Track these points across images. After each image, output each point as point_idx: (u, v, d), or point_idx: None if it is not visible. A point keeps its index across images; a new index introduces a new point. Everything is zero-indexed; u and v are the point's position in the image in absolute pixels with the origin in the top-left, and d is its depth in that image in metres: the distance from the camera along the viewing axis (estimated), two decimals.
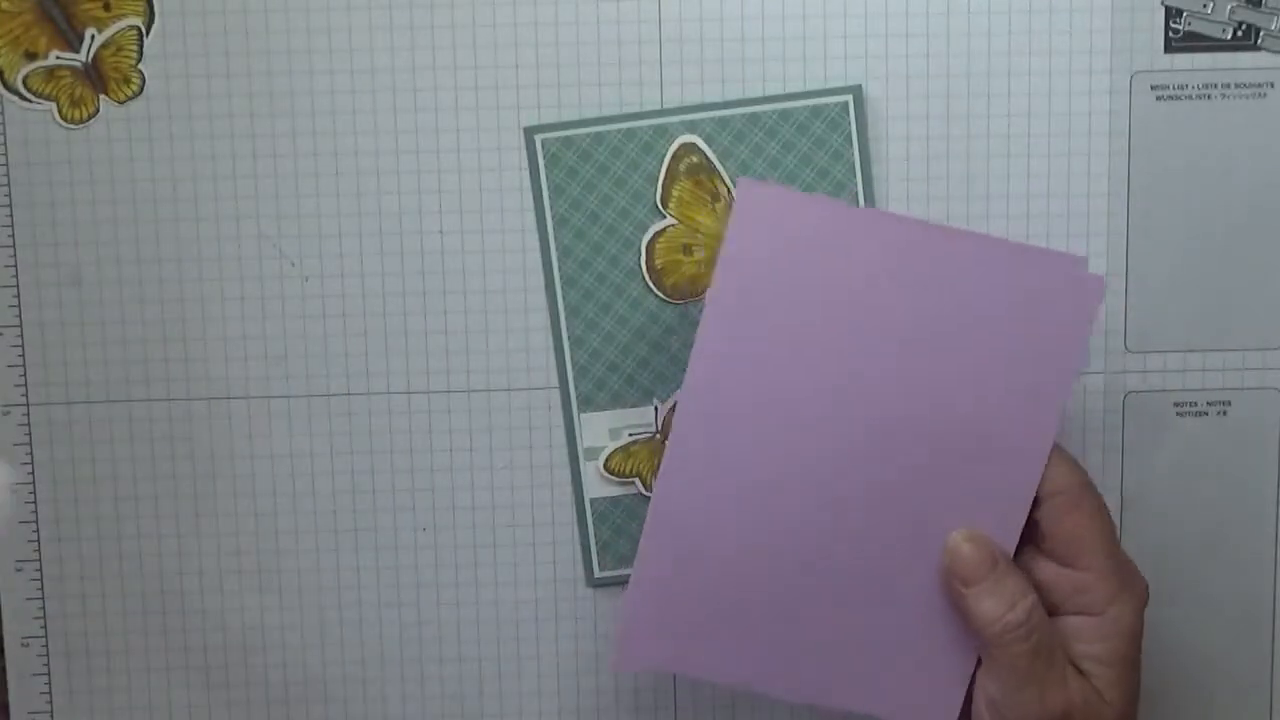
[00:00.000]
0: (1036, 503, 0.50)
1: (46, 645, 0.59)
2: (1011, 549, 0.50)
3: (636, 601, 0.52)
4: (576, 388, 0.58)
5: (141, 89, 0.56)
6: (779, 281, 0.50)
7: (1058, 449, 0.50)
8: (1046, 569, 0.50)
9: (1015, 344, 0.50)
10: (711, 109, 0.57)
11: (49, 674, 0.59)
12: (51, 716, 0.59)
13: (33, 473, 0.58)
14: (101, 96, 0.56)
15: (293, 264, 0.57)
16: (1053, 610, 0.50)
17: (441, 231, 0.57)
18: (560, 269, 0.57)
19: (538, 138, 0.57)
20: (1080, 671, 0.50)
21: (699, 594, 0.51)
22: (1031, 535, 0.51)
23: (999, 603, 0.49)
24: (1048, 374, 0.50)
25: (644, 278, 0.57)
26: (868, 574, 0.51)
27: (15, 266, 0.57)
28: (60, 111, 0.56)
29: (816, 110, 0.57)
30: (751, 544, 0.51)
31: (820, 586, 0.51)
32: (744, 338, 0.50)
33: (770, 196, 0.50)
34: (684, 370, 0.57)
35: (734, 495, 0.51)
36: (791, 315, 0.50)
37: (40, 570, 0.58)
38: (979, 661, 0.51)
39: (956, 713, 0.52)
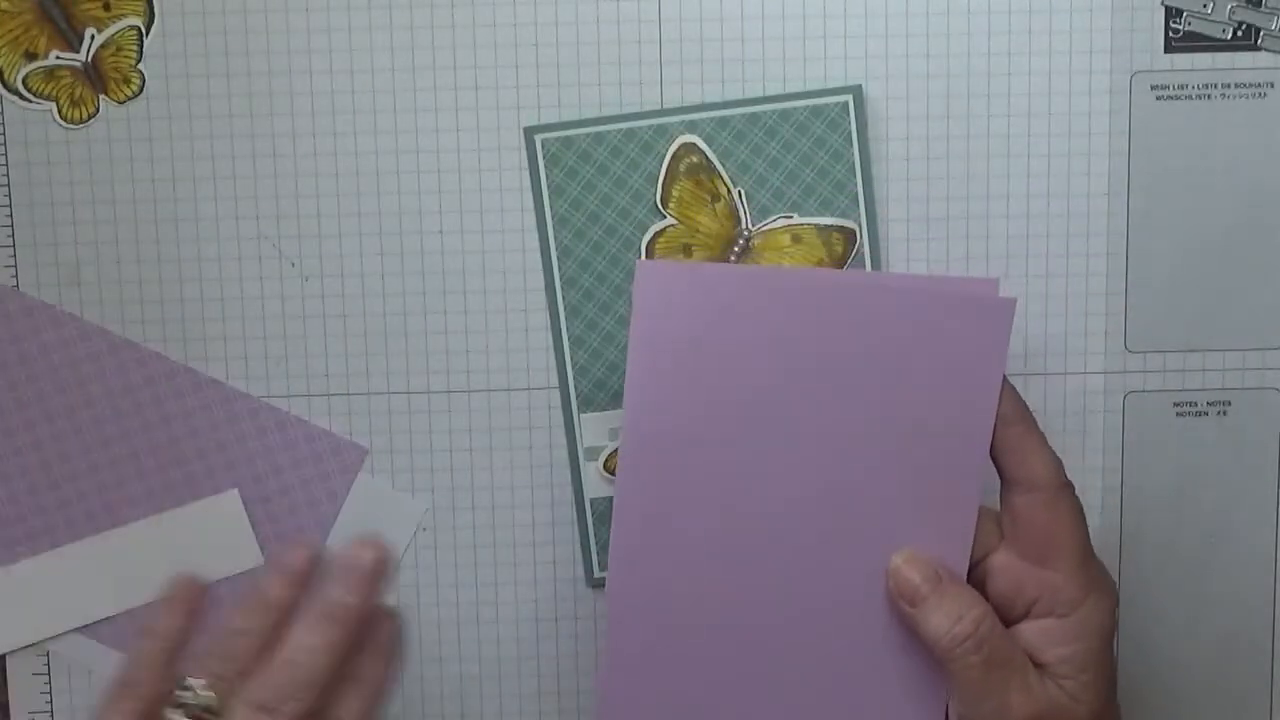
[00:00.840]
0: (1014, 496, 0.50)
1: (46, 645, 0.59)
2: (964, 570, 0.51)
3: (611, 687, 0.52)
4: (576, 388, 0.58)
5: (141, 89, 0.56)
6: (691, 351, 0.50)
7: (1042, 445, 0.50)
8: (1016, 568, 0.50)
9: (937, 374, 0.50)
10: (711, 109, 0.57)
11: (49, 674, 0.59)
12: (52, 716, 0.59)
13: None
14: (101, 96, 0.56)
15: (293, 264, 0.57)
16: (1021, 613, 0.50)
17: (441, 231, 0.57)
18: (560, 269, 0.57)
19: (538, 138, 0.57)
20: (1050, 675, 0.49)
21: (670, 673, 0.52)
22: (1003, 533, 0.51)
23: (945, 617, 0.49)
24: (973, 397, 0.50)
25: None
26: (826, 617, 0.51)
27: (15, 266, 0.57)
28: (60, 111, 0.56)
29: (816, 110, 0.57)
30: (712, 616, 0.52)
31: (782, 636, 0.52)
32: (668, 412, 0.51)
33: (667, 272, 0.51)
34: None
35: (685, 570, 0.51)
36: (709, 381, 0.51)
37: None
38: None
39: None
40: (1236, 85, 0.57)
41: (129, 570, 0.58)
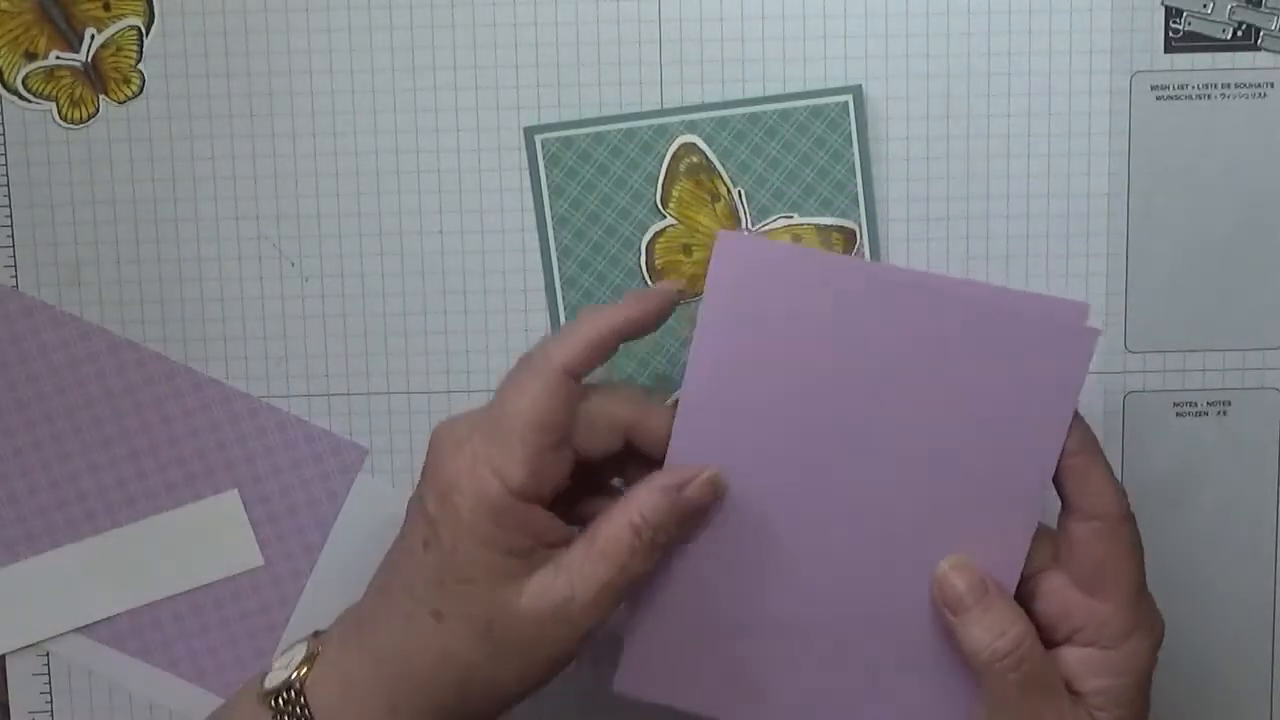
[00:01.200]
0: (1073, 523, 0.49)
1: (46, 645, 0.59)
2: (1012, 589, 0.50)
3: (639, 629, 0.52)
4: None
5: (141, 89, 0.56)
6: (761, 332, 0.50)
7: (1107, 476, 0.49)
8: (1066, 593, 0.49)
9: (1012, 390, 0.49)
10: (711, 109, 0.57)
11: (49, 674, 0.59)
12: (52, 716, 0.59)
13: None
14: (101, 96, 0.56)
15: (292, 264, 0.57)
16: (1063, 638, 0.49)
17: (441, 231, 0.57)
18: (560, 269, 0.57)
19: (538, 138, 0.57)
20: (1085, 706, 0.49)
21: (698, 633, 0.51)
22: (1057, 555, 0.50)
23: (986, 630, 0.48)
24: (1044, 419, 0.49)
25: (644, 278, 0.57)
26: (867, 615, 0.51)
27: (15, 266, 0.57)
28: (60, 112, 0.56)
29: (816, 110, 0.57)
30: (751, 587, 0.51)
31: (820, 627, 0.51)
32: (729, 386, 0.50)
33: (746, 247, 0.50)
34: (684, 370, 0.57)
35: (731, 540, 0.51)
36: (776, 364, 0.50)
37: None
38: None
39: None
40: (1236, 85, 0.57)
41: (129, 570, 0.58)
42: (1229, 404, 0.58)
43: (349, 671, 0.49)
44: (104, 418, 0.58)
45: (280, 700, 0.49)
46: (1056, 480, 0.49)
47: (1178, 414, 0.59)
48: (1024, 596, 0.50)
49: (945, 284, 0.50)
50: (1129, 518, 0.49)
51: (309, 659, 0.49)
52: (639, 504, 0.48)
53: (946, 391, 0.49)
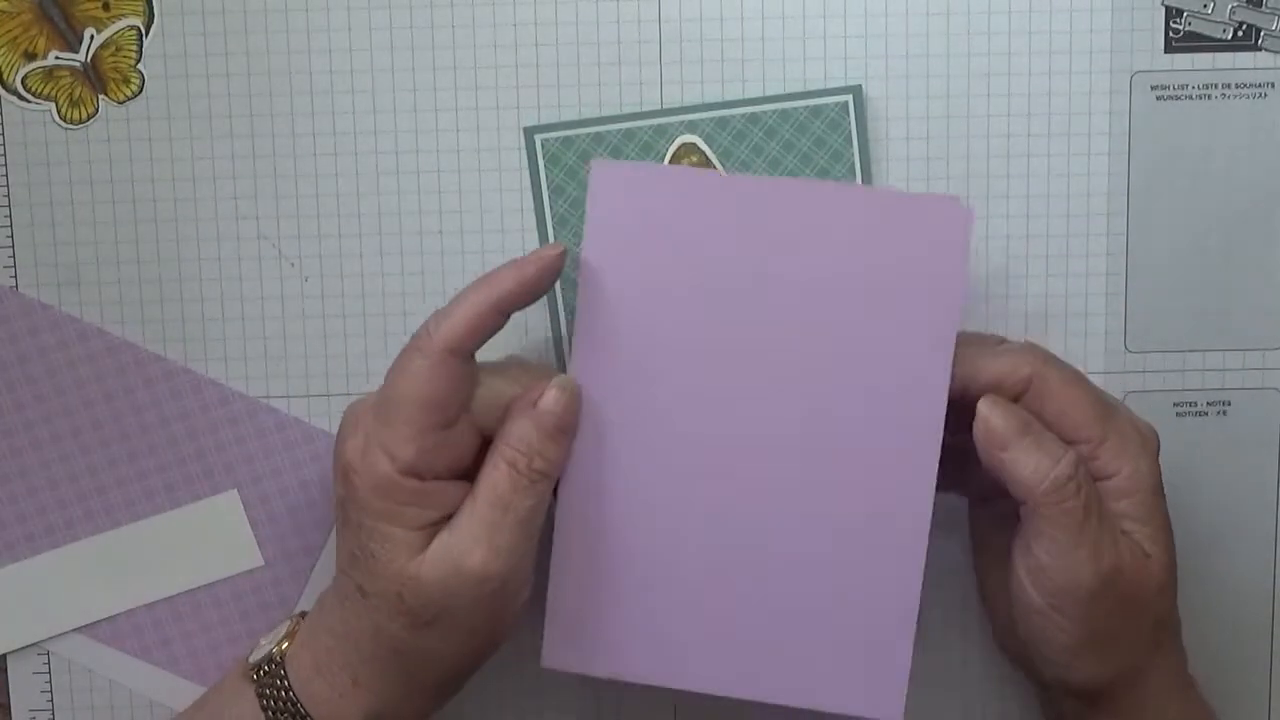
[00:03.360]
0: (1015, 399, 0.50)
1: (46, 645, 0.59)
2: (930, 486, 0.50)
3: (557, 601, 0.52)
4: None
5: (141, 89, 0.56)
6: (647, 254, 0.50)
7: (1003, 345, 0.50)
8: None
9: (897, 287, 0.50)
10: (711, 109, 0.57)
11: (49, 674, 0.59)
12: (52, 716, 0.59)
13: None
14: (101, 97, 0.56)
15: (292, 264, 0.57)
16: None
17: (441, 232, 0.57)
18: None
19: (538, 138, 0.57)
20: (1122, 531, 0.49)
21: (616, 595, 0.51)
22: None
23: (1044, 458, 0.48)
24: (935, 313, 0.49)
25: None
26: (787, 545, 0.51)
27: (15, 266, 0.57)
28: (59, 112, 0.56)
29: (816, 110, 0.57)
30: (659, 534, 0.51)
31: (734, 571, 0.51)
32: (622, 316, 0.50)
33: (624, 172, 0.50)
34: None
35: (634, 485, 0.51)
36: (666, 285, 0.50)
37: None
38: (1006, 544, 0.51)
39: (902, 693, 0.51)
40: (1236, 85, 0.57)
41: (129, 570, 0.58)
42: (1229, 404, 0.58)
43: (317, 646, 0.51)
44: (103, 418, 0.58)
45: (262, 672, 0.51)
46: (963, 377, 0.50)
47: (1178, 414, 0.59)
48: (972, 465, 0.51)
49: (822, 186, 0.51)
50: (1049, 361, 0.50)
51: (289, 635, 0.52)
52: (503, 437, 0.49)
53: (837, 295, 0.50)
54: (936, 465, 0.50)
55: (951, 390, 0.50)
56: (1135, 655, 0.50)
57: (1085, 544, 0.48)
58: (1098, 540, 0.48)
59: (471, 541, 0.48)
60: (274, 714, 0.50)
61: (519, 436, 0.49)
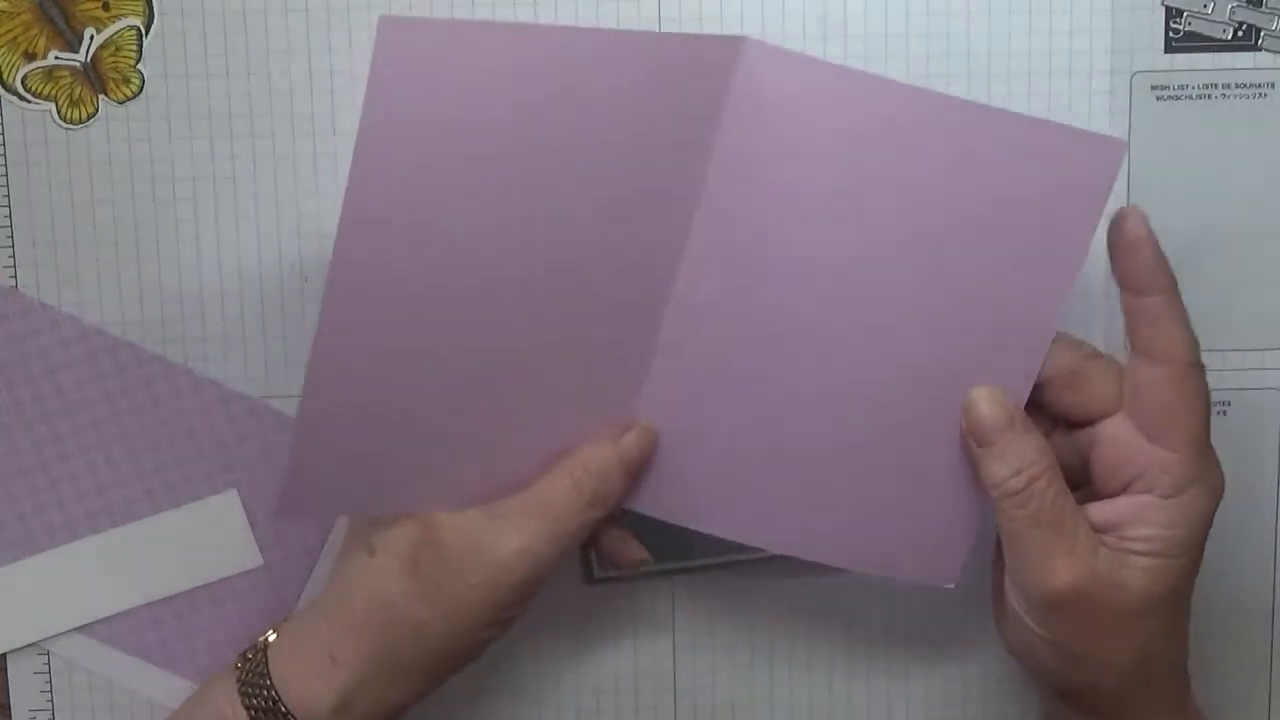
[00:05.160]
0: (1142, 368, 0.48)
1: (46, 645, 0.59)
2: (1020, 406, 0.49)
3: (308, 443, 0.47)
4: None
5: (141, 89, 0.56)
6: (444, 123, 0.44)
7: (1182, 320, 0.48)
8: (1129, 439, 0.49)
9: (1017, 216, 0.48)
10: None
11: (49, 674, 0.59)
12: (52, 716, 0.59)
13: None
14: (101, 97, 0.56)
15: (292, 264, 0.57)
16: (1122, 486, 0.49)
17: None
18: None
19: None
20: (1129, 551, 0.48)
21: (380, 426, 0.48)
22: (1123, 400, 0.49)
23: (1004, 467, 0.48)
24: (1057, 241, 0.48)
25: None
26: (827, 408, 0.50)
27: (15, 267, 0.57)
28: (59, 112, 0.56)
29: None
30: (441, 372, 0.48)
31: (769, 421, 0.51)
32: (400, 188, 0.44)
33: (420, 33, 0.42)
34: None
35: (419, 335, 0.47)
36: (459, 155, 0.44)
37: None
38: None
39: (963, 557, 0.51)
40: (1236, 85, 0.57)
41: (129, 570, 0.58)
42: (1229, 404, 0.58)
43: (300, 627, 0.51)
44: (103, 418, 0.58)
45: (245, 659, 0.52)
46: (1128, 323, 0.49)
47: None
48: (1086, 442, 0.50)
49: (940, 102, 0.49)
50: (1198, 365, 0.48)
51: (279, 624, 0.52)
52: (579, 456, 0.50)
53: (940, 210, 0.48)
54: (1031, 385, 0.49)
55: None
56: (1115, 678, 0.49)
57: (1033, 553, 0.48)
58: (1047, 552, 0.48)
59: (506, 532, 0.49)
60: (248, 698, 0.50)
61: (595, 460, 0.50)
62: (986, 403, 0.49)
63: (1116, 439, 0.49)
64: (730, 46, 0.46)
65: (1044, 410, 0.50)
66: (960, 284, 0.49)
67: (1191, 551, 0.48)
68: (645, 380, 0.51)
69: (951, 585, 0.52)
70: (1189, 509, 0.48)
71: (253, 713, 0.50)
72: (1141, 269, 0.48)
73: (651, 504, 0.53)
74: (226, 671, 0.52)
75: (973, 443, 0.49)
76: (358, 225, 0.44)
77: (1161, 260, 0.48)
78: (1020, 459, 0.48)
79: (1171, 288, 0.48)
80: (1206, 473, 0.48)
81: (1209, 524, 0.49)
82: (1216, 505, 0.49)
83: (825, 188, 0.48)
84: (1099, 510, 0.49)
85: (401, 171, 0.44)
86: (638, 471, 0.51)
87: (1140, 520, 0.48)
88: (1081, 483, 0.50)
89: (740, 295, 0.50)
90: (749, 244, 0.49)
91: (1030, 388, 0.49)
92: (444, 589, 0.49)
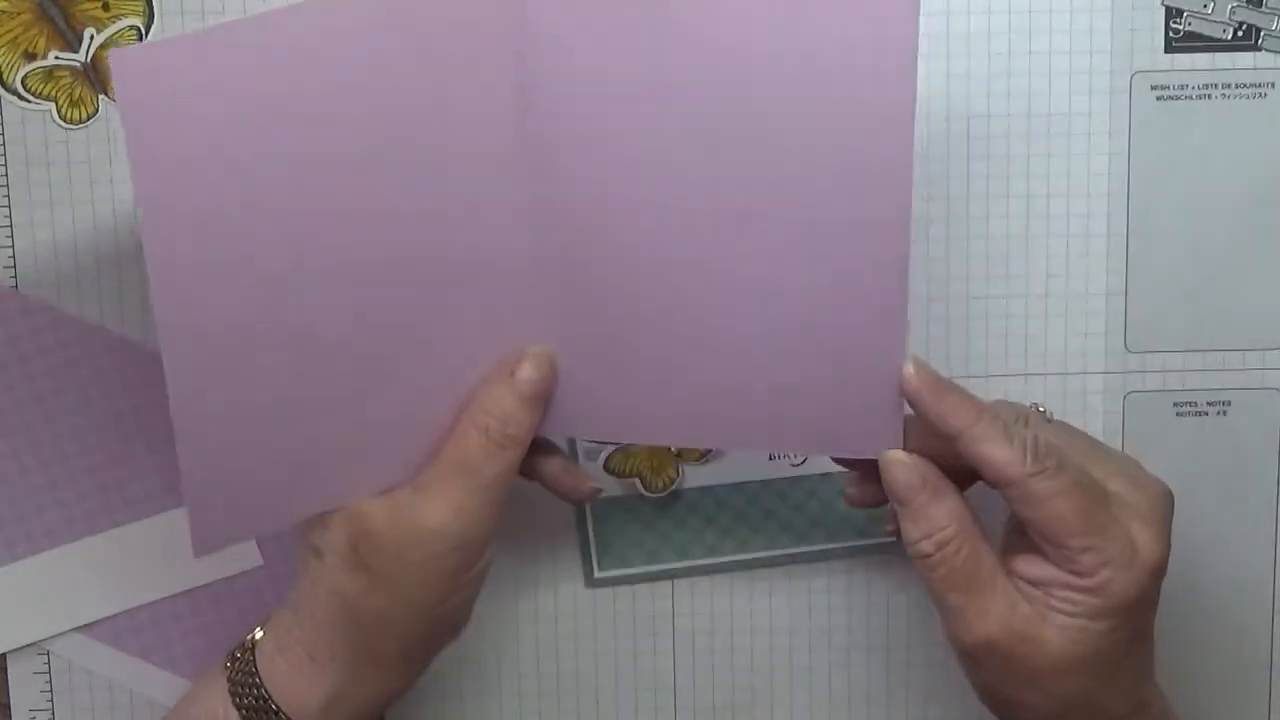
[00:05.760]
0: (1000, 489, 0.48)
1: (46, 645, 0.59)
2: (901, 305, 0.48)
3: (195, 476, 0.46)
4: None
5: None
6: (217, 138, 0.43)
7: (1007, 433, 0.47)
8: (1035, 553, 0.49)
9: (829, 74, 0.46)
10: None
11: (49, 674, 0.59)
12: (52, 716, 0.59)
13: None
14: (101, 97, 0.56)
15: None
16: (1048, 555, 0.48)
17: None
18: None
19: None
20: (1052, 609, 0.48)
21: (263, 434, 0.47)
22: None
23: (916, 530, 0.49)
24: (887, 95, 0.45)
25: None
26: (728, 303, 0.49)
27: (15, 267, 0.57)
28: (59, 111, 0.56)
29: None
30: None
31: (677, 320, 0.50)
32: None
33: (153, 57, 0.41)
34: None
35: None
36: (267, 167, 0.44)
37: None
38: None
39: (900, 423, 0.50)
40: (1236, 85, 0.57)
41: (129, 570, 0.58)
42: (1229, 404, 0.58)
43: (280, 626, 0.51)
44: (103, 418, 0.58)
45: (234, 659, 0.51)
46: (959, 462, 0.48)
47: (1178, 414, 0.59)
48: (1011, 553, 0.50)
49: None
50: (1039, 470, 0.47)
51: (264, 622, 0.52)
52: (478, 403, 0.50)
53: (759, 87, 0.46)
54: (904, 288, 0.48)
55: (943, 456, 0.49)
56: None
57: (948, 610, 0.48)
58: (962, 609, 0.48)
59: (433, 499, 0.49)
60: (239, 698, 0.50)
61: (495, 402, 0.50)
62: (897, 466, 0.49)
63: (1029, 557, 0.49)
64: None
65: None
66: (802, 148, 0.47)
67: (1117, 618, 0.48)
68: (528, 306, 0.50)
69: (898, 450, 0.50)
70: (1105, 588, 0.47)
71: (244, 712, 0.50)
72: (948, 415, 0.48)
73: (569, 425, 0.52)
74: (216, 671, 0.52)
75: (895, 502, 0.49)
76: (165, 265, 0.43)
77: (957, 396, 0.48)
78: (930, 524, 0.48)
79: (976, 418, 0.48)
80: (1111, 553, 0.47)
81: (1141, 595, 0.48)
82: (1147, 573, 0.48)
83: (640, 89, 0.47)
84: (1031, 567, 0.49)
85: (190, 198, 0.43)
86: (542, 400, 0.50)
87: (1062, 584, 0.48)
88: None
89: (593, 206, 0.48)
90: (585, 154, 0.48)
91: (905, 225, 0.47)
92: (391, 575, 0.49)
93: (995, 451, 0.47)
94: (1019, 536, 0.50)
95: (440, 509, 0.49)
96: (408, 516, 0.49)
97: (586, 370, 0.51)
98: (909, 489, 0.49)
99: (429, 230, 0.48)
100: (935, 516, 0.48)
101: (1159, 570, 0.48)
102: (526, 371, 0.50)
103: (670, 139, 0.48)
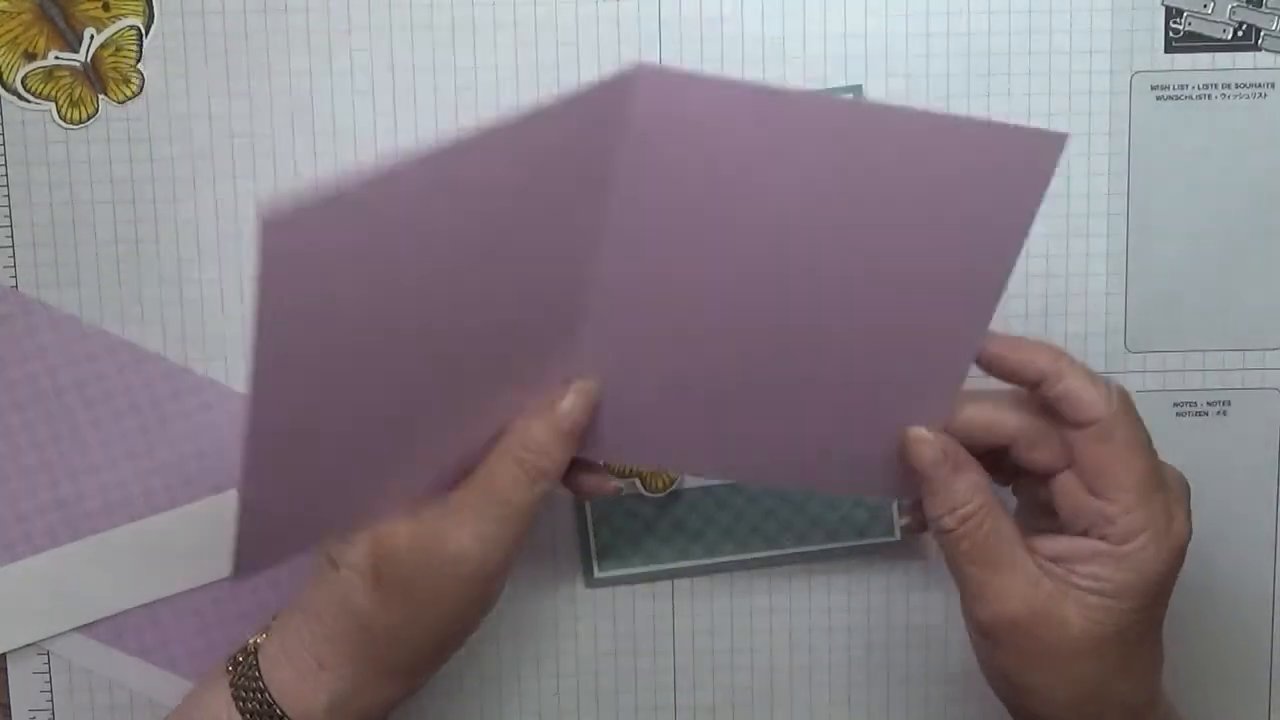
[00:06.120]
0: (1067, 430, 0.48)
1: (46, 645, 0.59)
2: (946, 413, 0.49)
3: (259, 510, 0.45)
4: None
5: (141, 89, 0.56)
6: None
7: (1092, 376, 0.48)
8: (1076, 493, 0.49)
9: (953, 209, 0.46)
10: None
11: (49, 674, 0.59)
12: (52, 716, 0.59)
13: None
14: (101, 97, 0.56)
15: None
16: (1081, 532, 0.49)
17: None
18: None
19: None
20: (1078, 588, 0.48)
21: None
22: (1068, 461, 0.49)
23: (938, 505, 0.49)
24: (992, 238, 0.47)
25: None
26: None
27: (15, 266, 0.57)
28: (59, 112, 0.56)
29: None
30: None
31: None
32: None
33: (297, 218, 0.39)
34: None
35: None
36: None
37: None
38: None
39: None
40: (1236, 85, 0.57)
41: (129, 570, 0.58)
42: (1229, 404, 0.58)
43: (286, 630, 0.51)
44: (103, 418, 0.58)
45: (236, 662, 0.51)
46: (1043, 396, 0.49)
47: (1178, 414, 0.59)
48: (1046, 496, 0.50)
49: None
50: (1122, 414, 0.48)
51: (267, 627, 0.52)
52: (516, 436, 0.49)
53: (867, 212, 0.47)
54: (958, 386, 0.49)
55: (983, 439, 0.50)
56: (1054, 712, 0.49)
57: (969, 586, 0.49)
58: (983, 585, 0.48)
59: (458, 524, 0.49)
60: (242, 702, 0.50)
61: (533, 437, 0.49)
62: (920, 444, 0.49)
63: (1067, 491, 0.49)
64: (620, 86, 0.45)
65: (1006, 467, 0.51)
66: (892, 282, 0.48)
67: (1141, 598, 0.48)
68: (576, 338, 0.50)
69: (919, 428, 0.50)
70: (1138, 556, 0.48)
71: (248, 717, 0.50)
72: (1033, 358, 0.49)
73: (602, 452, 0.52)
74: (217, 674, 0.51)
75: (916, 480, 0.50)
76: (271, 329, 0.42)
77: (1034, 343, 0.49)
78: (953, 498, 0.49)
79: (1058, 354, 0.49)
80: (1154, 519, 0.48)
81: (1167, 572, 0.48)
82: (1175, 552, 0.48)
83: (743, 203, 0.47)
84: (1054, 543, 0.49)
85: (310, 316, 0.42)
86: (579, 434, 0.50)
87: (1089, 560, 0.48)
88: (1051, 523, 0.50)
89: (660, 255, 0.48)
90: (663, 229, 0.48)
91: (952, 395, 0.49)
92: (409, 595, 0.49)
93: (1083, 388, 0.48)
94: (1035, 518, 0.50)
95: (464, 535, 0.48)
96: (431, 539, 0.48)
97: (630, 403, 0.51)
98: (933, 464, 0.49)
99: (495, 284, 0.47)
100: (958, 490, 0.49)
101: (1183, 551, 0.49)
102: (568, 405, 0.50)
103: (751, 225, 0.47)
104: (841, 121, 0.45)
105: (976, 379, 0.49)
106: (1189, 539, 0.49)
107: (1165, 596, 0.49)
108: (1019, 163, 0.46)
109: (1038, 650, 0.48)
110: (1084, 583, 0.48)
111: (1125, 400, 0.49)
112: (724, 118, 0.45)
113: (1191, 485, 0.57)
